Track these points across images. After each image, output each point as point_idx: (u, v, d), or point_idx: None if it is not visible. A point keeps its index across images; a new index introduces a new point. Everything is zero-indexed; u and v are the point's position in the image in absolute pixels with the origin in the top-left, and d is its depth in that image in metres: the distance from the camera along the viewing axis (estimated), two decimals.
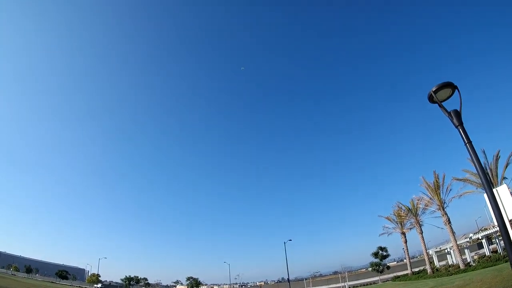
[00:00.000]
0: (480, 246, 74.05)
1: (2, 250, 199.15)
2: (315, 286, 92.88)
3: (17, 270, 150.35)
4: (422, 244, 58.43)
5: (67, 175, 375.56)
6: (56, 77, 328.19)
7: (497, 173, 43.68)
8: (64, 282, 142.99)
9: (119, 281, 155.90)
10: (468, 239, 66.05)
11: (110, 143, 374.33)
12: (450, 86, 8.25)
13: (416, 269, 66.70)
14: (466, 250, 60.04)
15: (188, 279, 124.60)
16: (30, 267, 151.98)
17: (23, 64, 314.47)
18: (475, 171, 43.09)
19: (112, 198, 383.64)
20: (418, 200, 56.87)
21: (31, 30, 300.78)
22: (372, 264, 73.29)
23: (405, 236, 64.57)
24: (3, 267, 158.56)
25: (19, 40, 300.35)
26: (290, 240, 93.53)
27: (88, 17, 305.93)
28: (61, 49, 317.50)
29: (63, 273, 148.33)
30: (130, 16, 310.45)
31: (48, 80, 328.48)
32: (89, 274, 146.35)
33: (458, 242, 52.50)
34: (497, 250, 57.81)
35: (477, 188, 45.43)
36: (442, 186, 50.29)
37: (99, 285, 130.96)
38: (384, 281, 69.67)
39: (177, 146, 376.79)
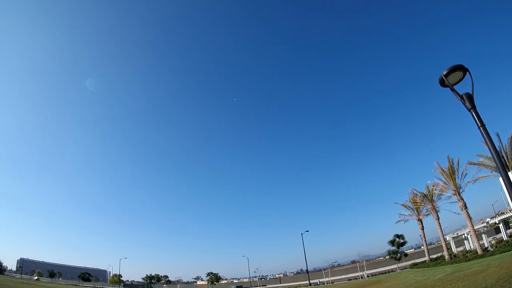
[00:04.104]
0: (497, 230, 73.30)
1: (25, 257, 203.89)
2: (334, 276, 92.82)
3: (40, 275, 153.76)
4: (439, 230, 58.00)
5: (86, 179, 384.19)
6: (72, 82, 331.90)
7: None
8: (87, 284, 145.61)
9: (141, 280, 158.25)
10: (485, 224, 65.24)
11: (126, 143, 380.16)
12: (461, 69, 8.18)
13: (434, 256, 66.31)
14: (483, 235, 59.49)
15: (208, 274, 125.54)
16: (53, 271, 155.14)
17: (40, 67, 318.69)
18: (489, 154, 42.73)
19: (130, 198, 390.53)
20: (433, 186, 56.40)
21: (28, 30, 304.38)
22: (389, 252, 72.99)
23: (421, 223, 64.11)
24: (27, 273, 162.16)
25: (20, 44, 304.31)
26: (307, 231, 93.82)
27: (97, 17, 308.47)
28: (69, 49, 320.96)
29: (86, 275, 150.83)
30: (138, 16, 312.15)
31: (65, 86, 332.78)
32: (111, 275, 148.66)
33: (475, 227, 52.03)
34: None
35: (492, 172, 45.04)
36: (457, 171, 49.85)
37: None
38: (402, 269, 69.34)
39: (191, 142, 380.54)
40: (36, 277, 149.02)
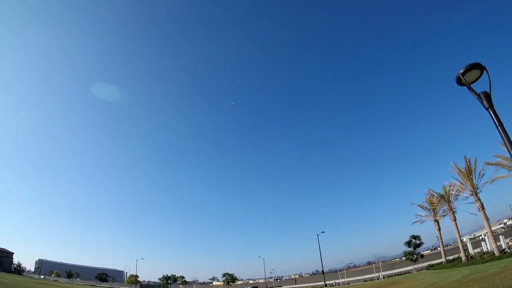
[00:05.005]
0: None
1: (43, 258, 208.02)
2: (350, 277, 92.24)
3: (58, 276, 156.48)
4: (456, 231, 57.22)
5: (103, 181, 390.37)
6: (91, 85, 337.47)
7: None
8: (104, 284, 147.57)
9: (157, 281, 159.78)
10: (502, 225, 64.15)
11: (143, 145, 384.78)
12: (478, 67, 8.14)
13: (451, 257, 65.37)
14: (500, 237, 58.54)
15: (224, 275, 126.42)
16: (70, 272, 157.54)
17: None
18: (507, 155, 42.14)
19: (147, 199, 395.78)
20: (450, 186, 55.70)
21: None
22: (405, 253, 72.32)
23: (438, 224, 63.09)
24: (45, 274, 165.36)
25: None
26: (323, 232, 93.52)
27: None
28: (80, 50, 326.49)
29: (103, 276, 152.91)
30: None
31: (86, 91, 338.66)
32: (128, 275, 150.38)
33: (492, 229, 51.21)
34: None
35: (510, 172, 44.14)
36: (474, 171, 49.09)
37: None
38: (418, 270, 68.57)
39: (206, 143, 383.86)
40: (43, 276, 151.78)
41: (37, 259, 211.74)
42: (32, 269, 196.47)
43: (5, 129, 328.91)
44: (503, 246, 52.66)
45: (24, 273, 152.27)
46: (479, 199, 47.90)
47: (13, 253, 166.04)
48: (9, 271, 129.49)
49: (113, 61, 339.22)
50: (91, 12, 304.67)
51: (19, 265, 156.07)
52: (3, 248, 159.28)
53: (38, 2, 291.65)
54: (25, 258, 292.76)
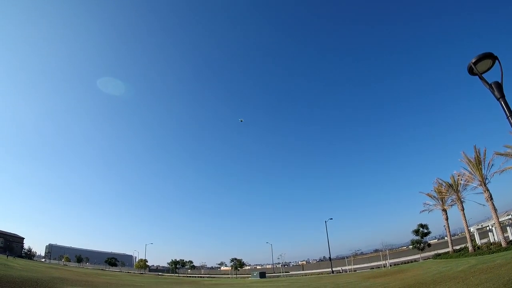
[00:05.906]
0: None
1: (53, 243, 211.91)
2: (356, 264, 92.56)
3: (68, 260, 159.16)
4: (464, 221, 57.02)
5: (112, 167, 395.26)
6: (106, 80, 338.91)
7: None
8: (113, 268, 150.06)
9: (166, 265, 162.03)
10: (510, 216, 63.54)
11: (153, 135, 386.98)
12: (490, 57, 8.00)
13: (457, 247, 65.23)
14: (508, 228, 58.26)
15: (232, 260, 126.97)
16: (80, 256, 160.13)
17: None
18: None
19: (156, 186, 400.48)
20: (459, 176, 55.37)
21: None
22: (412, 242, 72.32)
23: (446, 213, 62.89)
24: (55, 258, 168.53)
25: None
26: (331, 218, 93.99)
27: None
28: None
29: (112, 260, 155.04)
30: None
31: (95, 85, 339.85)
32: (137, 260, 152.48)
33: (500, 220, 50.91)
34: None
35: None
36: (484, 161, 48.72)
37: None
38: (425, 259, 68.59)
39: (211, 136, 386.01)
40: (44, 260, 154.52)
41: (47, 244, 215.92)
42: (43, 254, 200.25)
43: (13, 120, 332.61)
44: (511, 238, 52.49)
45: (34, 258, 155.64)
46: (488, 190, 47.65)
47: (24, 238, 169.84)
48: (20, 256, 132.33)
49: (118, 56, 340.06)
50: (98, 7, 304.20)
51: (29, 250, 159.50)
52: (14, 234, 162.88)
53: None
54: (36, 243, 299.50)
